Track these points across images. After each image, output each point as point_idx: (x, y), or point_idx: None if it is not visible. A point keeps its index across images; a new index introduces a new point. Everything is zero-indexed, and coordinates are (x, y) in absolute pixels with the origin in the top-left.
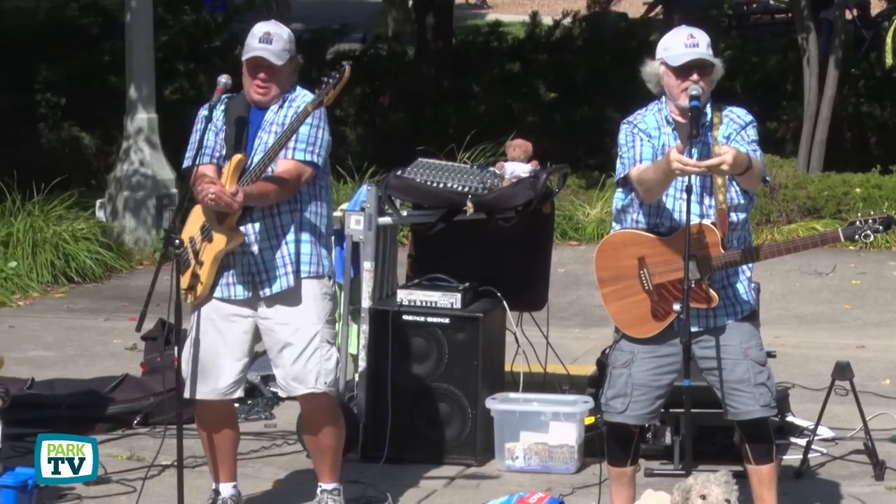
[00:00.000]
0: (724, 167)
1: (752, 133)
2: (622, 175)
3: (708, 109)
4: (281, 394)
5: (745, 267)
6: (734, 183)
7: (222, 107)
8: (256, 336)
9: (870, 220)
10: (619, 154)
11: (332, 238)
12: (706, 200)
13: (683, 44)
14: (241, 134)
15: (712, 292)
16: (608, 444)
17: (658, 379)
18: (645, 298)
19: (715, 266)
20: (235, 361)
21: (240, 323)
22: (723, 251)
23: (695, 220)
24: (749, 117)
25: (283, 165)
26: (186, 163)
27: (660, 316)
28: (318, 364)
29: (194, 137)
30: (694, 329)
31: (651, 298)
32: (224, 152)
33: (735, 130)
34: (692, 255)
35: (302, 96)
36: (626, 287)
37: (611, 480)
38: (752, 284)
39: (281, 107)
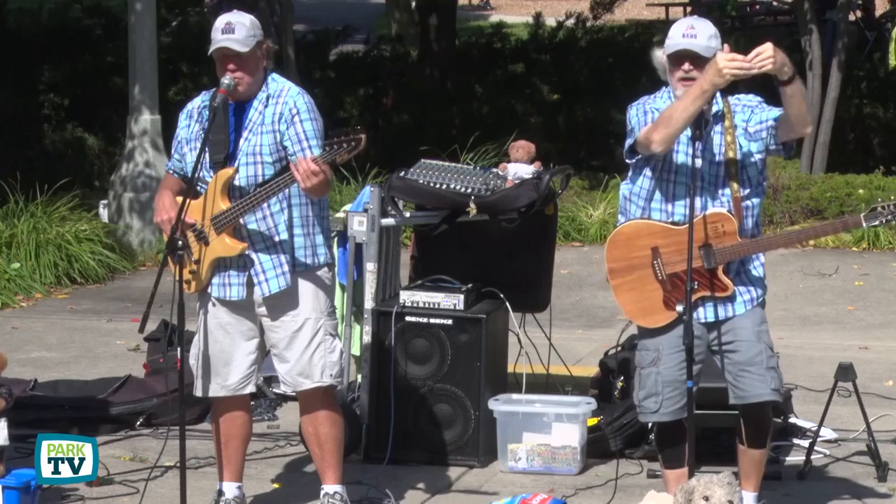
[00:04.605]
0: (769, 60)
1: (767, 107)
2: (629, 145)
3: (719, 100)
4: (286, 390)
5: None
6: (746, 169)
7: (203, 104)
8: (262, 330)
9: (890, 206)
10: (627, 133)
11: (327, 220)
12: (720, 189)
13: (682, 34)
14: (222, 137)
15: (727, 280)
16: (661, 447)
17: (685, 373)
18: (657, 288)
19: (732, 254)
20: (244, 357)
21: (244, 320)
22: (739, 239)
23: (710, 209)
24: (758, 98)
25: None
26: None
27: (671, 305)
28: (322, 357)
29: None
30: (710, 319)
31: (664, 288)
32: (195, 157)
33: (751, 109)
34: (707, 244)
35: (287, 90)
36: (638, 278)
37: (668, 484)
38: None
39: (266, 105)
